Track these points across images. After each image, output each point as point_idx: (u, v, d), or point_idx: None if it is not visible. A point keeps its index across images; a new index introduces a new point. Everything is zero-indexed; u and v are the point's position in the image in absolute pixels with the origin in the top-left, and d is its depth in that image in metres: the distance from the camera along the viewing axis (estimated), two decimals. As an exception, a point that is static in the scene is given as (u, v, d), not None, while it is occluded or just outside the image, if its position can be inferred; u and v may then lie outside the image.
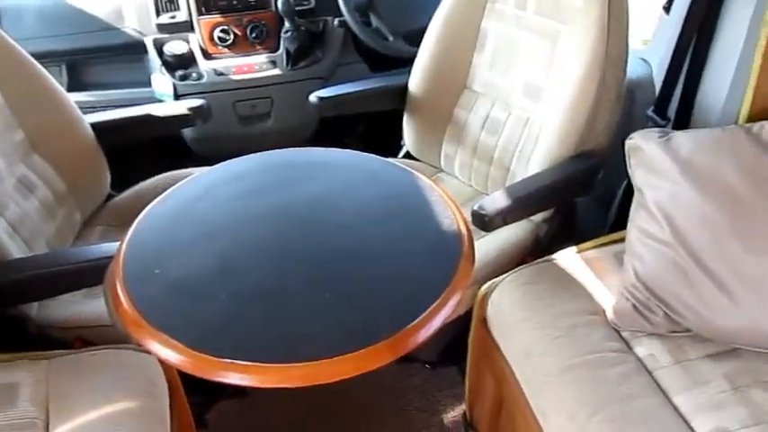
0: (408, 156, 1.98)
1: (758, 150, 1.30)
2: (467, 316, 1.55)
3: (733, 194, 1.27)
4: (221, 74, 2.07)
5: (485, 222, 1.45)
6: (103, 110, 1.87)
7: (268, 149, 1.49)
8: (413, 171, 1.42)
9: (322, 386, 1.01)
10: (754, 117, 1.46)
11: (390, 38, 2.06)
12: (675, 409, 1.20)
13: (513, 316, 1.42)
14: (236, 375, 1.02)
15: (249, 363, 1.01)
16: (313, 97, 1.87)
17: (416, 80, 1.86)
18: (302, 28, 2.11)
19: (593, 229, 1.83)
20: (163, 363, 1.29)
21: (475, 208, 1.45)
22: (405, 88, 1.89)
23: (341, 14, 2.07)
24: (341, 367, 1.01)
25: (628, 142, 1.44)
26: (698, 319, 1.27)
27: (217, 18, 2.11)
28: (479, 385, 1.62)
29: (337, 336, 1.06)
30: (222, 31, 2.10)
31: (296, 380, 1.01)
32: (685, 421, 1.18)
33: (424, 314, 1.08)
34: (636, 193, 1.41)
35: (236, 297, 1.13)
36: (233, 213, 1.32)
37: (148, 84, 2.08)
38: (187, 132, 2.12)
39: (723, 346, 1.29)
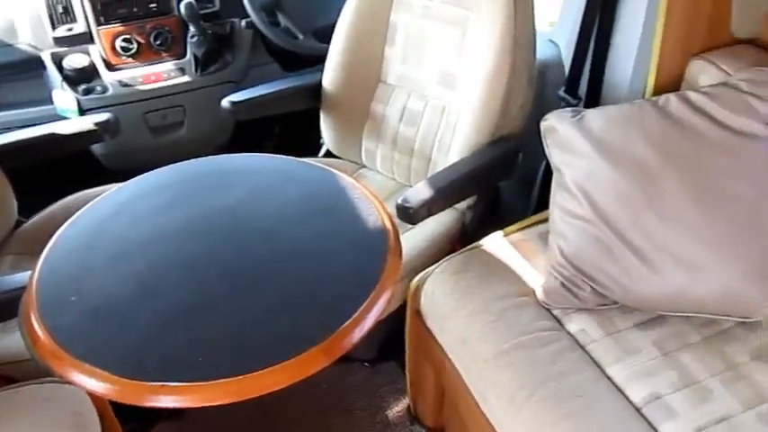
0: (329, 154, 1.96)
1: (664, 122, 1.34)
2: (401, 310, 1.55)
3: (643, 167, 1.31)
4: (127, 85, 1.99)
5: (410, 215, 1.44)
6: (3, 132, 1.78)
7: (183, 159, 1.45)
8: (332, 170, 1.40)
9: (260, 395, 0.99)
10: (659, 90, 1.51)
11: (300, 36, 2.02)
12: (610, 380, 1.23)
13: (447, 306, 1.42)
14: (166, 398, 0.98)
15: (178, 383, 0.97)
16: (226, 102, 1.82)
17: (330, 77, 1.83)
18: (209, 32, 2.05)
19: (518, 212, 1.85)
20: (91, 393, 1.24)
21: (399, 201, 1.44)
22: (319, 86, 1.86)
23: (248, 15, 2.03)
24: (276, 377, 0.99)
25: (543, 124, 1.46)
26: (623, 290, 1.30)
27: (117, 27, 2.02)
28: (420, 378, 1.62)
29: (268, 344, 1.03)
30: (124, 40, 2.02)
31: (229, 396, 0.98)
32: (620, 391, 1.21)
33: (356, 314, 1.07)
34: (554, 173, 1.43)
35: (159, 316, 1.08)
36: (150, 229, 1.27)
37: (50, 101, 1.98)
38: (97, 148, 2.04)
39: (650, 314, 1.33)
